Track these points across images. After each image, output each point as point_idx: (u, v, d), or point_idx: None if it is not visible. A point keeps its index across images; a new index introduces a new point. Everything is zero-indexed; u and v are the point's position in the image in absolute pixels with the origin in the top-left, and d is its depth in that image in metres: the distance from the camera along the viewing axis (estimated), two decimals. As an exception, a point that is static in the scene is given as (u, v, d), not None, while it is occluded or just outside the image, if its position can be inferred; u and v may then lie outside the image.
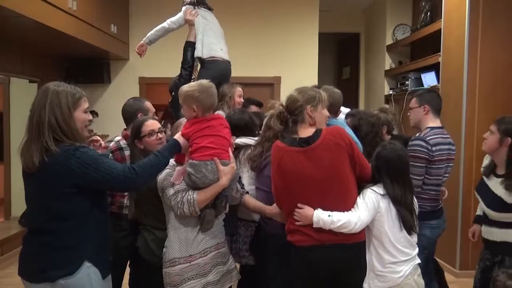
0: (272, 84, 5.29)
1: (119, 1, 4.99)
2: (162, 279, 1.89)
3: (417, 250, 1.92)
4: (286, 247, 1.89)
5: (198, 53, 2.72)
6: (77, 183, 1.55)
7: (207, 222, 1.84)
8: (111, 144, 2.36)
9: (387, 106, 3.07)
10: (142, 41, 2.86)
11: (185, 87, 1.87)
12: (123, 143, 2.37)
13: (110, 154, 2.28)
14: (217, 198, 1.87)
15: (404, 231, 1.85)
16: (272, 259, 2.07)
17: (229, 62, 2.90)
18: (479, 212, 2.44)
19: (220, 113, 2.44)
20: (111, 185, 1.63)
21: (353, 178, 1.83)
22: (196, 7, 2.84)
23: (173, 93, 2.77)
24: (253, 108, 3.13)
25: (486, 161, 2.34)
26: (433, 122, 2.38)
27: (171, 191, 1.81)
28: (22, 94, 4.72)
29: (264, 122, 2.14)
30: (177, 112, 2.23)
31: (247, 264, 2.25)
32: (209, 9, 2.92)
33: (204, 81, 1.90)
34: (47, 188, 1.57)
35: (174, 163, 1.87)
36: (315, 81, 5.17)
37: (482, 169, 2.32)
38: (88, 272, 1.58)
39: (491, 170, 2.23)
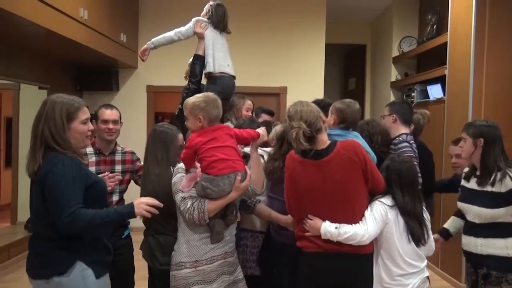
0: (278, 94, 5.33)
1: (129, 11, 5.07)
2: (163, 284, 1.92)
3: (425, 262, 1.92)
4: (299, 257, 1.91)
5: (209, 68, 2.70)
6: (45, 190, 1.61)
7: (216, 233, 1.85)
8: None
9: (426, 112, 3.14)
10: (146, 45, 2.82)
11: (191, 99, 1.91)
12: (89, 150, 2.39)
13: None
14: (226, 209, 1.88)
15: (413, 243, 1.85)
16: (285, 270, 2.08)
17: (234, 77, 2.92)
18: (448, 226, 2.43)
19: (229, 124, 2.46)
20: (51, 214, 1.61)
21: (365, 191, 1.85)
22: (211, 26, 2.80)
23: (180, 106, 2.78)
24: (264, 117, 3.15)
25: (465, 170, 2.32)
26: (404, 129, 2.50)
27: (179, 196, 1.84)
28: (32, 101, 4.78)
29: (278, 137, 2.17)
30: (183, 125, 2.25)
31: (252, 274, 2.24)
32: (224, 31, 2.86)
33: (210, 93, 1.94)
34: (37, 194, 1.66)
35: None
36: (321, 92, 5.22)
37: (462, 181, 2.28)
38: (82, 273, 1.66)
39: (471, 173, 2.21)
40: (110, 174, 2.17)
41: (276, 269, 2.17)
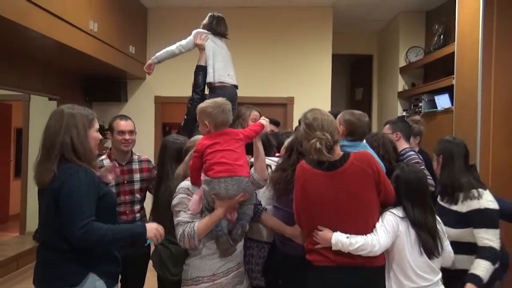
0: (285, 105, 5.34)
1: (138, 23, 5.15)
2: None
3: (439, 275, 1.88)
4: (305, 269, 1.89)
5: (209, 78, 2.75)
6: (59, 201, 1.62)
7: (224, 250, 1.85)
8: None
9: (418, 117, 3.22)
10: (150, 60, 2.91)
11: (201, 104, 1.94)
12: (106, 162, 2.45)
13: None
14: (233, 228, 1.88)
15: (425, 256, 1.82)
16: (290, 281, 2.06)
17: (236, 87, 2.94)
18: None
19: None
20: (63, 225, 1.62)
21: (377, 203, 1.83)
22: (210, 34, 2.87)
23: (185, 117, 2.81)
24: (270, 127, 3.16)
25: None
26: (406, 145, 2.74)
27: (176, 220, 1.84)
28: (41, 112, 4.84)
29: (286, 145, 2.17)
30: (190, 135, 2.27)
31: (258, 285, 2.23)
32: (224, 37, 2.94)
33: (220, 99, 1.94)
34: (49, 204, 1.66)
35: (189, 186, 1.89)
36: (328, 102, 5.22)
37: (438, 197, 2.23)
38: (94, 284, 1.66)
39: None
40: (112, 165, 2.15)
41: (282, 281, 2.14)
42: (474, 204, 1.98)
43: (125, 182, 2.48)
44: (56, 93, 4.66)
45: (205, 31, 2.86)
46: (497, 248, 1.93)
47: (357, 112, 2.19)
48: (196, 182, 1.88)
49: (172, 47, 2.86)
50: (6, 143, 5.69)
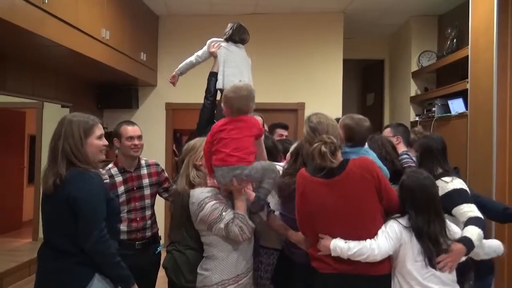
0: (296, 110, 5.32)
1: (149, 30, 5.19)
2: None
3: (455, 280, 1.81)
4: (313, 277, 1.86)
5: (219, 84, 2.77)
6: (74, 206, 1.68)
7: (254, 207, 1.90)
8: (102, 171, 2.44)
9: (417, 128, 3.26)
10: (174, 72, 2.98)
11: (227, 88, 1.97)
12: (114, 170, 2.46)
13: None
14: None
15: (430, 267, 1.74)
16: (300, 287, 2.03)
17: None
18: None
19: None
20: (80, 228, 1.69)
21: (379, 210, 1.79)
22: (228, 42, 2.89)
23: (198, 123, 2.83)
24: (279, 131, 3.15)
25: None
26: (404, 148, 2.79)
27: (220, 226, 1.84)
28: (54, 119, 4.87)
29: (292, 149, 2.15)
30: None
31: None
32: (239, 43, 2.95)
33: (243, 84, 1.96)
34: (60, 209, 1.71)
35: (208, 193, 1.89)
36: (339, 107, 5.19)
37: None
38: (101, 284, 1.72)
39: None
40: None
41: None
42: (449, 186, 2.05)
43: (135, 188, 2.47)
44: (68, 100, 4.71)
45: (218, 39, 2.89)
46: (482, 217, 1.94)
47: (356, 116, 2.12)
48: (208, 166, 1.91)
49: (191, 58, 2.94)
50: (20, 150, 5.76)
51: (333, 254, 1.73)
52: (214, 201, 1.87)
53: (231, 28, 2.88)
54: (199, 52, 2.91)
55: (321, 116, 1.86)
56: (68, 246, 1.70)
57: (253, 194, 1.94)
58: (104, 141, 1.87)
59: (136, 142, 2.47)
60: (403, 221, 1.79)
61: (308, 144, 1.82)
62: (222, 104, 1.95)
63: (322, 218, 1.78)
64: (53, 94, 4.48)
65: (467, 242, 1.80)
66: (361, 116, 2.13)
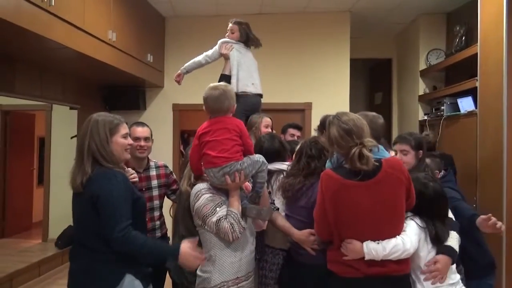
0: (303, 110, 5.30)
1: (156, 32, 5.21)
2: None
3: (459, 276, 1.87)
4: (321, 278, 1.84)
5: (233, 88, 2.75)
6: (97, 203, 1.70)
7: (257, 214, 1.90)
8: None
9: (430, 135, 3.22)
10: (179, 71, 2.98)
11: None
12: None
13: None
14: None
15: None
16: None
17: (260, 95, 2.93)
18: None
19: None
20: (103, 228, 1.69)
21: (405, 209, 1.80)
22: (239, 43, 2.88)
23: None
24: (291, 131, 3.15)
25: None
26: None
27: (213, 220, 1.82)
28: (63, 121, 4.95)
29: (296, 152, 2.14)
30: None
31: None
32: (256, 46, 2.95)
33: (217, 84, 1.99)
34: (87, 208, 1.72)
35: (205, 185, 1.90)
36: (346, 107, 5.15)
37: None
38: (133, 284, 1.73)
39: None
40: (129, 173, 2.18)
41: None
42: None
43: (144, 189, 2.48)
44: (76, 102, 4.75)
45: (230, 40, 2.87)
46: (453, 218, 1.97)
47: (370, 113, 2.12)
48: (197, 169, 1.93)
49: (199, 58, 2.92)
50: (30, 152, 5.82)
51: (367, 257, 1.69)
52: (210, 194, 1.86)
53: (244, 30, 2.86)
54: (209, 53, 2.88)
55: (352, 116, 1.80)
56: (98, 245, 1.71)
57: (250, 187, 1.97)
58: (129, 140, 1.91)
59: (142, 143, 2.47)
60: (418, 220, 1.82)
61: (336, 146, 1.77)
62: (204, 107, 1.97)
63: (353, 221, 1.74)
64: (61, 96, 4.52)
65: (450, 252, 1.83)
66: (374, 113, 2.13)
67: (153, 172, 2.55)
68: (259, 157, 1.95)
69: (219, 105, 1.89)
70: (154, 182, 2.54)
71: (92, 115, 1.86)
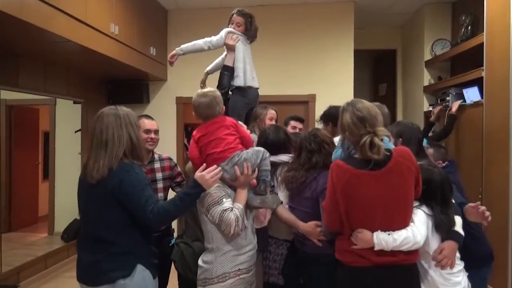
0: (307, 102, 5.27)
1: (158, 25, 5.19)
2: None
3: (462, 264, 1.90)
4: (327, 268, 1.85)
5: (239, 82, 2.69)
6: (120, 196, 1.72)
7: (263, 203, 1.94)
8: None
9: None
10: (175, 51, 2.83)
11: (194, 95, 2.02)
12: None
13: None
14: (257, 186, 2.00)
15: None
16: (313, 281, 2.02)
17: (257, 89, 2.91)
18: None
19: (253, 136, 2.44)
20: (134, 213, 1.73)
21: (413, 199, 1.80)
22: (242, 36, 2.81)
23: None
24: (293, 123, 3.12)
25: None
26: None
27: (219, 209, 1.83)
28: (67, 115, 4.96)
29: (301, 147, 2.13)
30: None
31: (274, 283, 2.20)
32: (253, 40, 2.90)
33: (206, 90, 2.01)
34: (105, 199, 1.74)
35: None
36: (350, 99, 5.10)
37: None
38: (143, 274, 1.76)
39: None
40: None
41: (303, 281, 2.10)
42: None
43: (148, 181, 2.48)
44: (80, 96, 4.76)
45: (237, 31, 2.78)
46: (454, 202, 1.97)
47: (375, 103, 2.11)
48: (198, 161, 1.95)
49: (200, 42, 2.77)
50: (35, 146, 5.84)
51: (376, 248, 1.69)
52: (218, 184, 1.89)
53: (251, 27, 2.79)
54: (213, 39, 2.75)
55: (367, 104, 1.79)
56: (112, 237, 1.74)
57: (255, 182, 1.99)
58: (148, 134, 2.06)
59: (153, 135, 2.50)
60: (425, 209, 1.83)
61: (348, 133, 1.75)
62: (193, 111, 2.01)
63: (364, 210, 1.73)
64: (64, 90, 4.52)
65: (456, 237, 1.83)
66: (379, 103, 2.15)
67: (157, 165, 2.55)
68: (258, 148, 2.01)
69: (212, 111, 1.96)
70: (159, 175, 2.54)
71: (108, 109, 1.83)
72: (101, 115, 1.82)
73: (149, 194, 1.72)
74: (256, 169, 1.96)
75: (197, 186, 1.77)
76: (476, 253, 2.05)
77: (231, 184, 1.91)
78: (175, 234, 2.68)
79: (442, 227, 1.82)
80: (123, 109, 1.85)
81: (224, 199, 1.84)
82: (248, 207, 1.93)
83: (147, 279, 1.77)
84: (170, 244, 2.52)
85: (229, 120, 1.99)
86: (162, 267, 2.47)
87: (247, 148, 1.98)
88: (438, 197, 1.85)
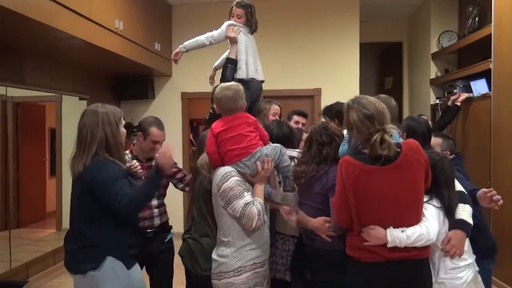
0: (312, 96, 5.25)
1: (162, 20, 5.18)
2: None
3: (474, 257, 1.89)
4: (335, 263, 1.85)
5: (242, 74, 2.66)
6: (93, 191, 1.83)
7: (290, 201, 1.96)
8: None
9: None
10: (178, 49, 2.80)
11: (216, 88, 2.04)
12: (127, 156, 2.45)
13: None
14: (283, 182, 2.03)
15: None
16: (321, 276, 2.01)
17: (262, 82, 2.87)
18: None
19: None
20: (112, 207, 1.82)
21: (424, 193, 1.79)
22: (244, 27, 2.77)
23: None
24: (296, 118, 3.10)
25: None
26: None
27: (241, 202, 1.82)
28: (73, 111, 4.97)
29: (306, 139, 2.12)
30: None
31: (281, 279, 2.20)
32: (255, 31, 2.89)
33: (229, 84, 2.01)
34: (80, 193, 1.88)
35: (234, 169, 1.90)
36: (356, 92, 5.08)
37: None
38: (113, 266, 1.84)
39: None
40: (134, 165, 2.24)
41: (311, 276, 2.10)
42: None
43: (144, 177, 2.47)
44: (86, 92, 4.77)
45: (238, 23, 2.74)
46: (465, 191, 1.97)
47: (382, 96, 2.11)
48: (216, 159, 1.95)
49: (202, 38, 2.75)
50: (42, 143, 5.87)
51: (390, 245, 1.68)
52: (239, 178, 1.88)
53: (250, 13, 2.75)
54: (214, 34, 2.72)
55: (372, 100, 1.77)
56: (88, 230, 1.86)
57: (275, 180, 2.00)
58: (125, 130, 2.04)
59: (158, 146, 2.49)
60: (434, 202, 1.82)
61: (356, 131, 1.74)
62: (214, 103, 2.01)
63: (375, 206, 1.71)
64: (70, 87, 4.53)
65: (463, 226, 1.83)
66: (386, 96, 2.16)
67: (155, 162, 2.54)
68: (274, 145, 2.01)
69: (234, 105, 1.94)
70: None
71: (93, 107, 1.93)
72: (83, 113, 1.93)
73: (119, 186, 1.81)
74: (275, 161, 1.97)
75: (159, 174, 1.90)
76: (480, 244, 2.04)
77: (250, 179, 1.91)
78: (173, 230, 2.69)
79: (448, 213, 1.81)
80: (106, 107, 1.93)
81: (245, 193, 1.84)
82: (268, 201, 1.93)
83: (118, 271, 1.85)
84: (165, 240, 2.55)
85: (251, 117, 1.99)
86: (162, 261, 2.51)
87: (265, 145, 1.99)
88: (442, 182, 1.83)
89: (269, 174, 1.95)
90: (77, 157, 1.88)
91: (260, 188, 1.90)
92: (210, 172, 1.96)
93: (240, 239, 1.86)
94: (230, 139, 1.89)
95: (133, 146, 2.57)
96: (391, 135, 1.71)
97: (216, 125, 1.94)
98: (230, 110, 1.94)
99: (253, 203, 1.82)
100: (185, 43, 2.80)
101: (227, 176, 1.85)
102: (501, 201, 1.97)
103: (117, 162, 1.90)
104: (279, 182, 2.11)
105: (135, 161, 2.28)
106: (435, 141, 2.51)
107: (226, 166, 1.90)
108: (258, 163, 1.88)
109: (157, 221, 2.52)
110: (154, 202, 2.52)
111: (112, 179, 1.82)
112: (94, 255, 1.84)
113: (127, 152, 2.52)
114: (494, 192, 1.98)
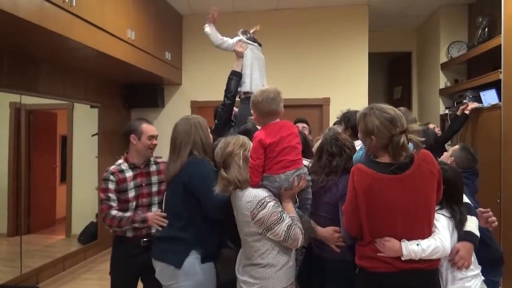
0: (321, 106, 5.27)
1: (173, 30, 5.25)
2: None
3: (480, 268, 1.89)
4: (344, 273, 1.86)
5: (246, 88, 2.77)
6: (188, 188, 2.04)
7: (306, 229, 1.95)
8: (112, 167, 2.47)
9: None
10: (207, 25, 3.07)
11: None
12: (124, 166, 2.48)
13: (111, 175, 2.42)
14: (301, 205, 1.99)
15: None
16: (328, 286, 2.01)
17: None
18: None
19: None
20: (203, 203, 2.03)
21: (435, 203, 1.79)
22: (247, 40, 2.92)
23: (215, 121, 2.85)
24: (300, 126, 3.14)
25: None
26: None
27: (284, 225, 1.76)
28: (84, 119, 5.04)
29: (317, 148, 2.13)
30: (220, 138, 2.30)
31: None
32: (259, 44, 2.99)
33: (268, 87, 1.92)
34: (179, 192, 2.08)
35: (265, 192, 1.82)
36: (365, 102, 5.09)
37: None
38: (194, 261, 2.04)
39: None
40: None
41: (319, 286, 2.09)
42: None
43: (143, 184, 2.48)
44: (97, 101, 4.84)
45: (248, 41, 2.92)
46: (470, 202, 1.99)
47: (402, 108, 2.14)
48: (257, 182, 1.83)
49: (218, 36, 2.99)
50: (53, 150, 5.94)
51: (404, 258, 1.68)
52: (274, 201, 1.80)
53: (250, 38, 2.92)
54: (229, 42, 2.93)
55: (390, 106, 1.79)
56: (179, 224, 2.09)
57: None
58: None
59: (155, 141, 2.51)
60: (445, 212, 1.83)
61: (375, 136, 1.72)
62: (251, 110, 1.93)
63: (387, 215, 1.70)
64: (82, 95, 4.61)
65: (472, 238, 1.83)
66: (406, 109, 2.21)
67: (153, 168, 2.55)
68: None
69: (276, 106, 1.85)
70: (154, 178, 2.53)
71: (182, 118, 2.22)
72: (175, 125, 2.21)
73: (215, 186, 1.94)
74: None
75: None
76: (481, 255, 2.03)
77: (277, 193, 1.85)
78: None
79: (459, 226, 1.82)
80: (194, 116, 2.23)
81: (283, 215, 1.78)
82: None
83: (198, 266, 2.03)
84: None
85: (296, 128, 1.92)
86: (148, 270, 2.35)
87: None
88: (451, 194, 1.84)
89: (297, 191, 1.89)
90: (172, 161, 2.11)
91: (290, 205, 1.85)
92: (242, 189, 1.83)
93: (279, 260, 1.82)
94: (282, 151, 1.81)
95: (127, 154, 2.54)
96: (414, 132, 1.68)
97: (264, 136, 1.82)
98: (270, 113, 1.85)
99: (294, 223, 1.78)
100: (211, 30, 3.03)
101: (263, 204, 1.76)
102: (496, 223, 2.03)
103: (211, 162, 2.09)
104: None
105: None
106: (451, 148, 2.54)
107: (258, 190, 1.81)
108: (296, 179, 1.82)
109: (153, 230, 2.44)
110: (154, 208, 2.49)
111: (210, 176, 1.99)
112: (179, 248, 2.05)
113: (121, 161, 2.51)
114: (490, 213, 2.02)
